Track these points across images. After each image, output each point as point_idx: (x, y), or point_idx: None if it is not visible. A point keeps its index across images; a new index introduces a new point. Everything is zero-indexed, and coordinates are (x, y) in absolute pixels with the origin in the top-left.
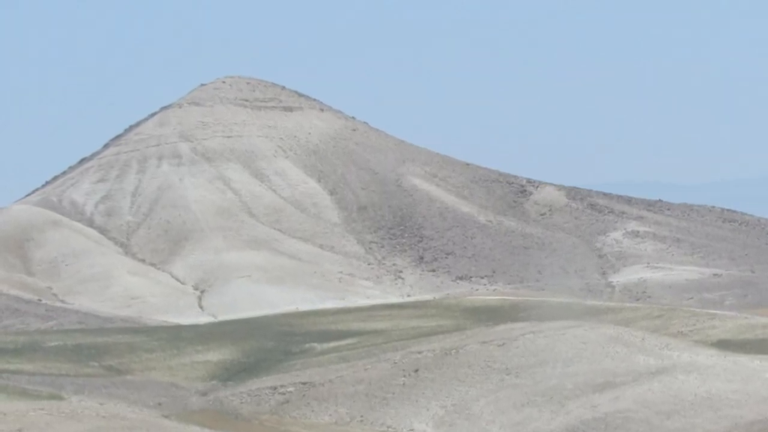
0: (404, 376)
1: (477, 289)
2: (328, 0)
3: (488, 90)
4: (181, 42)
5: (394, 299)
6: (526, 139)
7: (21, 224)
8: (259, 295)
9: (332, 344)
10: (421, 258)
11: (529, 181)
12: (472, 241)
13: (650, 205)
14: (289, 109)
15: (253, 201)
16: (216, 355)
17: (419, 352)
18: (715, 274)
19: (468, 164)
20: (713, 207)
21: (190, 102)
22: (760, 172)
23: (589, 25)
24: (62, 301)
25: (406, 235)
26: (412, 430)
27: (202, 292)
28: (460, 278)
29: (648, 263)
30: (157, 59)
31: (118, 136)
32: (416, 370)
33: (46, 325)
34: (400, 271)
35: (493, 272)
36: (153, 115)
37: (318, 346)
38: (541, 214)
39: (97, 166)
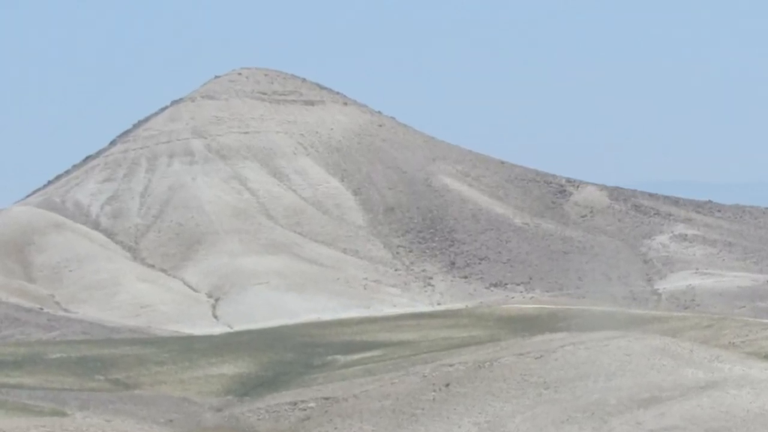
0: (434, 390)
1: (512, 297)
2: None
3: (524, 84)
4: (194, 31)
5: (423, 308)
6: (565, 135)
7: (21, 227)
8: (277, 304)
9: (356, 356)
10: (453, 263)
11: (568, 180)
12: (508, 246)
13: (699, 206)
14: (310, 102)
15: (272, 202)
16: (231, 368)
17: (450, 365)
18: None
19: (503, 162)
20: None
21: (204, 95)
22: None
23: (624, 21)
24: (65, 310)
25: (437, 238)
26: None
27: (217, 300)
28: (495, 285)
29: (697, 269)
30: (168, 50)
31: (125, 132)
32: (447, 385)
33: (48, 335)
34: (430, 278)
35: (530, 279)
36: (164, 109)
37: (341, 359)
38: (582, 216)
39: (104, 165)
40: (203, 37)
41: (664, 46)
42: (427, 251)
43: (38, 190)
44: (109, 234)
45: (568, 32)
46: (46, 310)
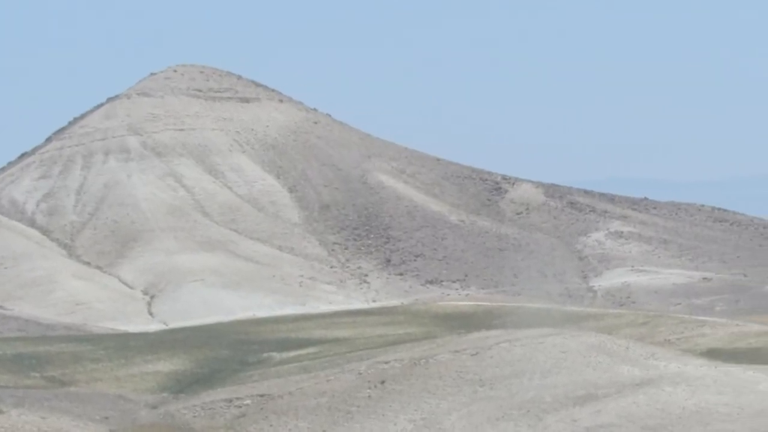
0: (370, 388)
1: (448, 294)
2: None
3: (460, 81)
4: (130, 28)
5: (358, 305)
6: (502, 133)
7: None
8: (213, 301)
9: (292, 354)
10: (388, 261)
11: (504, 177)
12: (443, 243)
13: (635, 203)
14: (246, 100)
15: (207, 199)
16: (167, 365)
17: (386, 363)
18: (704, 278)
19: (438, 159)
20: (703, 206)
21: (139, 92)
22: (753, 170)
23: (570, 18)
24: (1, 308)
25: (372, 235)
26: None
27: (152, 297)
28: (430, 282)
29: (632, 266)
30: (104, 47)
31: (61, 130)
32: (383, 382)
33: None
34: (366, 275)
35: (466, 276)
36: (99, 106)
37: (277, 356)
38: (518, 214)
39: (39, 162)
40: (139, 34)
41: (602, 45)
42: (363, 248)
43: None
44: (45, 231)
45: (504, 29)
46: None
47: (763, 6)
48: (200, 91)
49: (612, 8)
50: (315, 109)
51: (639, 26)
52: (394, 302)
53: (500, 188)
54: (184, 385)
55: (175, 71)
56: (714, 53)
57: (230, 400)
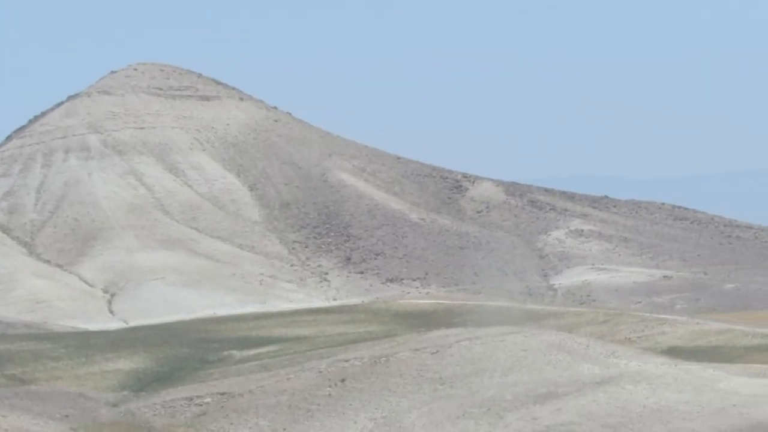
0: (330, 386)
1: (408, 293)
2: None
3: (421, 79)
4: (91, 27)
5: (319, 303)
6: (462, 131)
7: None
8: (173, 299)
9: (252, 352)
10: (349, 259)
11: (464, 175)
12: (404, 241)
13: (595, 201)
14: (206, 98)
15: (168, 197)
16: (127, 363)
17: (346, 361)
18: (665, 276)
19: (399, 158)
20: (663, 204)
21: (100, 91)
22: (714, 168)
23: (529, 18)
24: None
25: (332, 234)
26: None
27: (113, 295)
28: (391, 281)
29: (593, 264)
30: (64, 45)
31: (21, 128)
32: (343, 380)
33: None
34: (326, 273)
35: (426, 274)
36: (59, 104)
37: (237, 354)
38: (478, 212)
39: None
40: (99, 32)
41: (563, 44)
42: (323, 247)
43: None
44: (5, 230)
45: (464, 27)
46: None
47: (719, 5)
48: (161, 89)
49: (574, 8)
50: (275, 108)
51: (598, 26)
52: (354, 300)
53: (461, 186)
54: (144, 383)
55: (136, 69)
56: (674, 53)
57: (191, 399)
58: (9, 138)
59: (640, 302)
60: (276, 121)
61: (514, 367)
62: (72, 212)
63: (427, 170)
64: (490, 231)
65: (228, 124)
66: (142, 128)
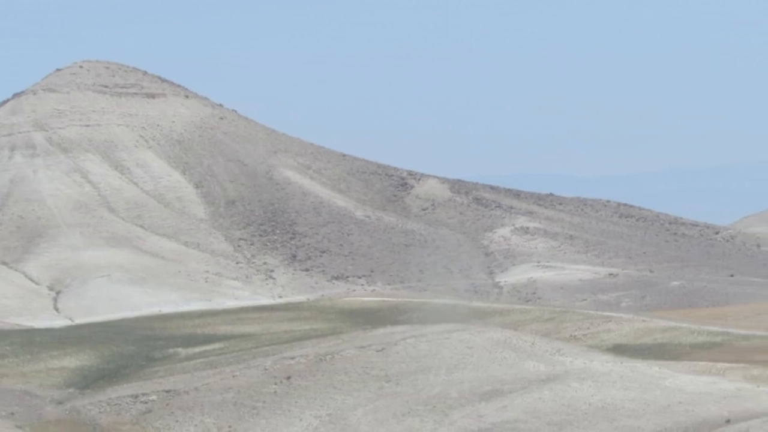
0: (276, 383)
1: (354, 290)
2: None
3: (367, 76)
4: (36, 24)
5: (264, 301)
6: (407, 128)
7: None
8: (119, 297)
9: (198, 349)
10: (294, 256)
11: (410, 173)
12: (349, 238)
13: (541, 199)
14: (152, 95)
15: (113, 195)
16: (73, 361)
17: (292, 358)
18: (610, 274)
19: (344, 155)
20: (609, 201)
21: (45, 88)
22: (658, 165)
23: (473, 14)
24: None
25: (278, 231)
26: None
27: (58, 293)
28: (336, 278)
29: (538, 262)
30: (9, 42)
31: None
32: (288, 377)
33: None
34: (272, 271)
35: (372, 272)
36: (4, 102)
37: (182, 352)
38: (423, 209)
39: None
40: (45, 30)
41: (507, 40)
42: (269, 244)
43: None
44: None
45: (407, 24)
46: None
47: (667, 4)
48: (106, 86)
49: (519, 5)
50: (221, 105)
51: (541, 22)
52: (299, 298)
53: (406, 184)
54: (90, 380)
55: (81, 67)
56: (620, 52)
57: (136, 396)
58: None
59: (586, 300)
60: (221, 118)
61: (460, 364)
62: (17, 210)
63: (373, 168)
64: (435, 228)
65: (173, 122)
66: (88, 126)
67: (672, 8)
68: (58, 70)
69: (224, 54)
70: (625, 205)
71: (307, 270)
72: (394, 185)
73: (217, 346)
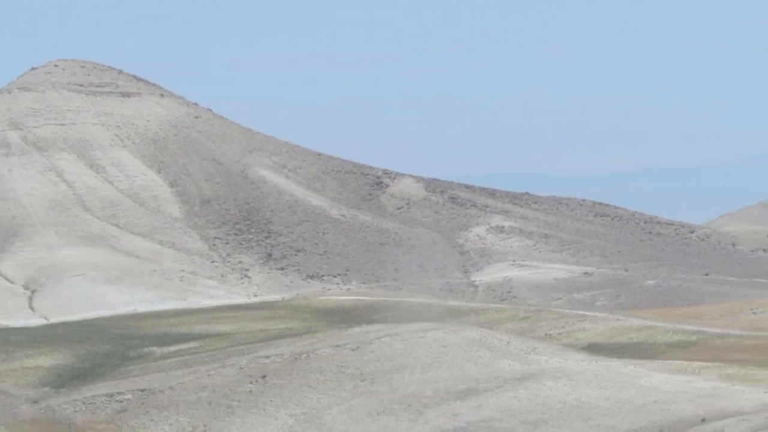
0: (251, 382)
1: (329, 289)
2: None
3: (342, 75)
4: (11, 23)
5: (239, 300)
6: (383, 127)
7: None
8: (94, 296)
9: (173, 348)
10: (269, 255)
11: (385, 172)
12: (324, 237)
13: (516, 198)
14: (127, 94)
15: (88, 194)
16: (48, 360)
17: (267, 357)
18: (585, 273)
19: (319, 154)
20: (584, 200)
21: (20, 87)
22: (634, 165)
23: (448, 12)
24: None
25: (253, 230)
26: None
27: (33, 292)
28: (311, 277)
29: (513, 261)
30: None
31: None
32: (264, 376)
33: None
34: (247, 270)
35: (347, 270)
36: None
37: (158, 351)
38: (399, 208)
39: None
40: (20, 29)
41: (482, 39)
42: (244, 243)
43: None
44: None
45: (382, 22)
46: None
47: (640, 3)
48: (81, 85)
49: (493, 4)
50: (196, 104)
51: (517, 24)
52: (275, 297)
53: (381, 183)
54: (65, 379)
55: (56, 66)
56: (594, 50)
57: (111, 395)
58: None
59: (561, 299)
60: (196, 117)
61: (435, 363)
62: None
63: (348, 167)
64: (410, 227)
65: (148, 121)
66: (63, 125)
67: (648, 8)
68: (33, 69)
69: (200, 53)
70: (600, 204)
71: (282, 269)
72: (369, 184)
73: (192, 345)
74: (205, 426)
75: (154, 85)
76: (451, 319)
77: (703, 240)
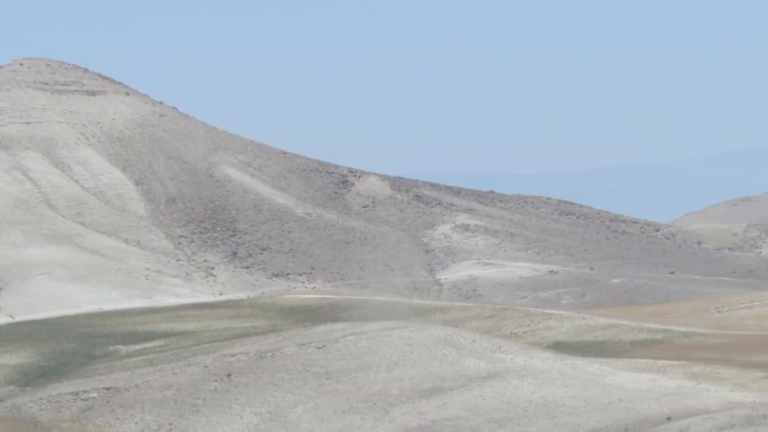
0: (216, 381)
1: (294, 287)
2: None
3: (307, 73)
4: None
5: (205, 298)
6: (348, 126)
7: None
8: (60, 294)
9: (138, 347)
10: (235, 253)
11: (350, 170)
12: (290, 236)
13: (481, 196)
14: (92, 93)
15: (54, 192)
16: (13, 358)
17: (232, 356)
18: (551, 271)
19: (285, 153)
20: (549, 198)
21: None
22: (598, 162)
23: (412, 10)
24: None
25: (218, 228)
26: None
27: None
28: (277, 275)
29: (479, 259)
30: None
31: None
32: (229, 375)
33: None
34: (212, 268)
35: (312, 269)
36: None
37: (123, 349)
38: (364, 207)
39: None
40: None
41: (445, 37)
42: (209, 241)
43: None
44: None
45: (347, 20)
46: None
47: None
48: (47, 84)
49: (453, 1)
50: (161, 102)
51: (479, 20)
52: (240, 295)
53: (346, 181)
54: (30, 378)
55: (21, 64)
56: (557, 47)
57: (76, 393)
58: None
59: (526, 297)
60: (162, 115)
61: (400, 361)
62: None
63: (313, 165)
64: (376, 226)
65: (114, 119)
66: (28, 123)
67: (611, 8)
68: None
69: (165, 51)
70: (565, 202)
71: (247, 267)
72: (334, 182)
73: (157, 343)
74: (170, 424)
75: (119, 83)
76: (417, 318)
77: (668, 238)
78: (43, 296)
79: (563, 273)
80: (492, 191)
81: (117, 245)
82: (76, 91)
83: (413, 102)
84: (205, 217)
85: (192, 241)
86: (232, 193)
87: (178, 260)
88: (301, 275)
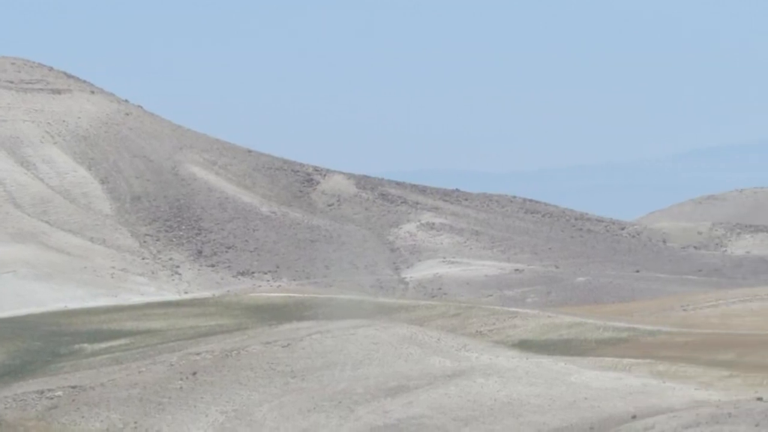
0: (181, 379)
1: (260, 286)
2: None
3: (272, 72)
4: None
5: (170, 296)
6: (313, 124)
7: None
8: (25, 293)
9: (104, 345)
10: (200, 252)
11: (315, 169)
12: (255, 234)
13: (447, 194)
14: (57, 91)
15: (19, 191)
16: None
17: (197, 354)
18: (516, 270)
19: (250, 151)
20: (515, 197)
21: None
22: (563, 161)
23: (377, 10)
24: None
25: (184, 227)
26: None
27: None
28: (242, 274)
29: (444, 257)
30: None
31: None
32: (194, 373)
33: None
34: (177, 266)
35: (277, 267)
36: None
37: (88, 347)
38: (329, 205)
39: None
40: None
41: (412, 37)
42: (174, 240)
43: None
44: None
45: (312, 20)
46: None
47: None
48: (11, 82)
49: (423, 1)
50: (126, 101)
51: (447, 20)
52: (205, 294)
53: (312, 180)
54: None
55: None
56: (525, 46)
57: (42, 392)
58: None
59: (492, 295)
60: (127, 114)
61: (365, 360)
62: None
63: (278, 163)
64: (341, 224)
65: (79, 118)
66: None
67: (579, 7)
68: None
69: (130, 50)
70: (530, 200)
71: (212, 266)
72: (299, 181)
73: (122, 341)
74: (135, 423)
75: (84, 82)
76: (382, 316)
77: (633, 237)
78: (9, 295)
79: (528, 271)
80: (457, 190)
81: (82, 244)
82: (41, 89)
83: (386, 101)
84: (171, 215)
85: (157, 240)
86: (198, 191)
87: (143, 259)
88: (266, 274)
